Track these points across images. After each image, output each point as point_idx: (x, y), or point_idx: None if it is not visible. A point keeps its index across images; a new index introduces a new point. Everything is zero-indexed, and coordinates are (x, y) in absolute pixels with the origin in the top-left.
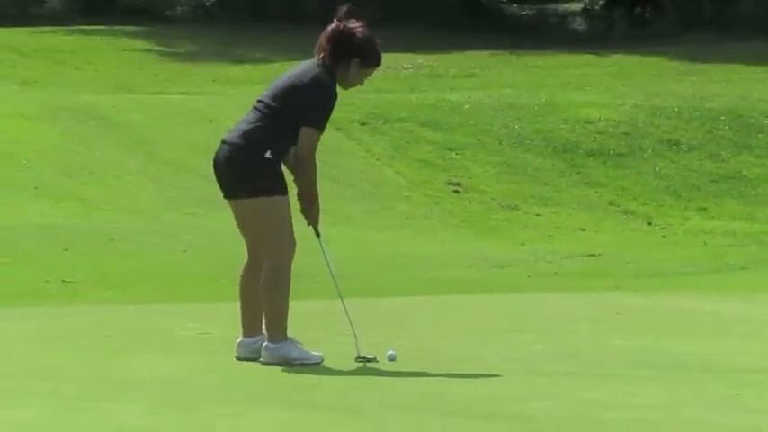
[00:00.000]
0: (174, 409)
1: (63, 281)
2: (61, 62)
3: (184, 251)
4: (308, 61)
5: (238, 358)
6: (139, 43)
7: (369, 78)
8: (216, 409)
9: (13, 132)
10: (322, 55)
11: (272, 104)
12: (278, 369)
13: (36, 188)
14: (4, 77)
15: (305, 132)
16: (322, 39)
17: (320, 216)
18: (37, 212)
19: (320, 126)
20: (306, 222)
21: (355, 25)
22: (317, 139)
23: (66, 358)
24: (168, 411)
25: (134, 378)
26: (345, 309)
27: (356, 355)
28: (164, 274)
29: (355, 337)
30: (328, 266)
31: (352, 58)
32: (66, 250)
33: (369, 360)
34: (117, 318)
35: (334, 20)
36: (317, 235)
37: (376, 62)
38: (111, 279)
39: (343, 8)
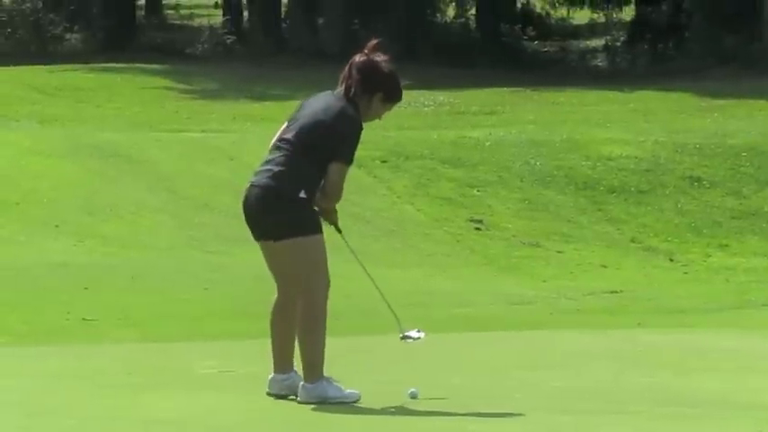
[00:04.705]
0: None
1: (84, 319)
2: (81, 100)
3: (206, 289)
4: (327, 94)
5: (270, 394)
6: (160, 81)
7: (388, 113)
8: None
9: (33, 170)
10: (349, 85)
11: (298, 143)
12: (299, 407)
13: (57, 226)
14: (24, 115)
15: (334, 168)
16: (350, 70)
17: (336, 218)
18: (58, 250)
19: (350, 160)
20: (327, 225)
21: (381, 59)
22: (347, 172)
23: (87, 397)
24: None
25: (155, 417)
26: (377, 287)
27: (400, 335)
28: (185, 311)
29: (395, 316)
30: (355, 256)
31: (377, 92)
32: (87, 288)
33: (414, 339)
34: (138, 356)
35: (364, 51)
36: (339, 232)
37: (398, 98)
38: (133, 317)
39: (373, 42)
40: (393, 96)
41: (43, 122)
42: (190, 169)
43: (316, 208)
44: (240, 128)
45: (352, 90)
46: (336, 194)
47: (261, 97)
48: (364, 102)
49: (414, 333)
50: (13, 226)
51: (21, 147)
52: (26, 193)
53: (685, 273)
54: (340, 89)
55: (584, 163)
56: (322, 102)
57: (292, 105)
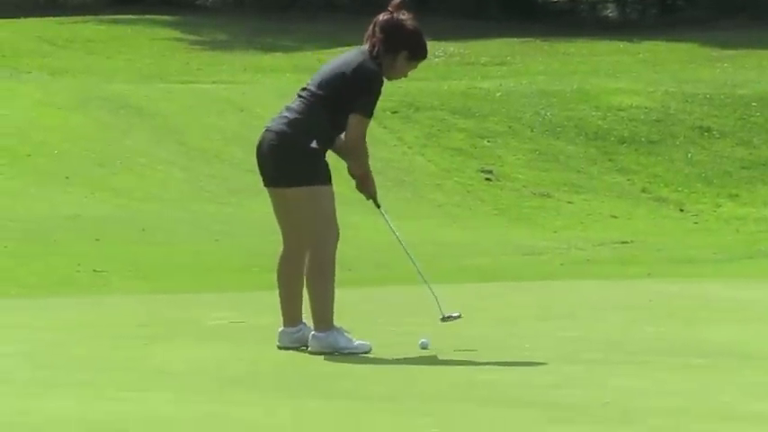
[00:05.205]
0: (204, 398)
1: (94, 271)
2: (92, 52)
3: (216, 240)
4: (352, 50)
5: (280, 347)
6: (170, 32)
7: (413, 71)
8: (246, 398)
9: (44, 122)
10: (373, 43)
11: (319, 93)
12: (309, 357)
13: (67, 178)
14: (34, 67)
15: (354, 120)
16: (373, 28)
17: (373, 190)
18: (68, 202)
19: (369, 113)
20: (365, 198)
21: (406, 17)
22: (367, 126)
23: (97, 348)
24: (198, 401)
25: (165, 368)
26: (419, 271)
27: (440, 317)
28: (195, 263)
29: (435, 297)
30: (395, 234)
31: (402, 50)
32: (98, 240)
33: (454, 318)
34: (149, 307)
35: (388, 10)
36: (378, 206)
37: (423, 55)
38: (143, 269)
39: (397, 0)
40: (418, 54)
41: (54, 74)
42: (200, 121)
43: (351, 177)
44: (250, 79)
45: (376, 49)
46: (357, 148)
47: (271, 48)
48: (388, 60)
49: (454, 314)
50: (25, 178)
51: (32, 99)
52: (37, 145)
53: (695, 223)
54: (365, 46)
55: (594, 113)
56: (346, 56)
57: (302, 56)
